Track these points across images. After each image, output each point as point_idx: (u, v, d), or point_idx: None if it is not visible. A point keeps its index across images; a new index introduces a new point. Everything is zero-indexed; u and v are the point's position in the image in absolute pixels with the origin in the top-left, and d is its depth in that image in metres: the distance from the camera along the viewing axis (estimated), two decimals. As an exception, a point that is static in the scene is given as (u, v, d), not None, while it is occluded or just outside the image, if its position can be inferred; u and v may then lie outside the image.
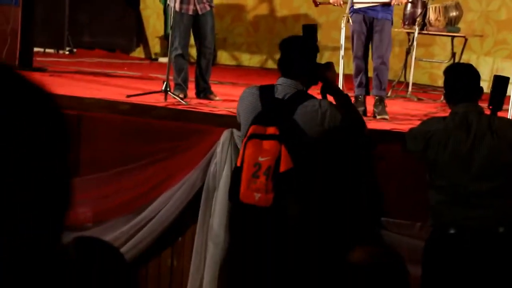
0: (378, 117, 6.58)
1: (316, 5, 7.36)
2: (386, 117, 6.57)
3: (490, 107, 4.45)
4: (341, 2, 6.84)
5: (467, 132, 4.19)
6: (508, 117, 5.77)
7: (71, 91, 6.32)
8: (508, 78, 4.55)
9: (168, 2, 7.14)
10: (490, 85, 4.62)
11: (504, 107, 5.97)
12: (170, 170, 5.58)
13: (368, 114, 6.62)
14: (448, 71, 4.41)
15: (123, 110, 5.99)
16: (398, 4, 6.65)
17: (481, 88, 4.34)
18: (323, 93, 4.56)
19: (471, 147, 4.18)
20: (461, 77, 4.33)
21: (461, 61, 8.86)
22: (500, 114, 4.52)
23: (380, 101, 6.70)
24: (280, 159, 4.19)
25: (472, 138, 4.19)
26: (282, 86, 4.39)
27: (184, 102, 6.57)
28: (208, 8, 7.09)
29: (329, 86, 4.53)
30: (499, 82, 4.49)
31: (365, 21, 6.67)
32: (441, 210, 4.23)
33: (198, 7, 7.03)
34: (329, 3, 7.07)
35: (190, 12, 7.00)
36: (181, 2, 6.97)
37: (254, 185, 4.24)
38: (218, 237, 5.16)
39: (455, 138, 4.20)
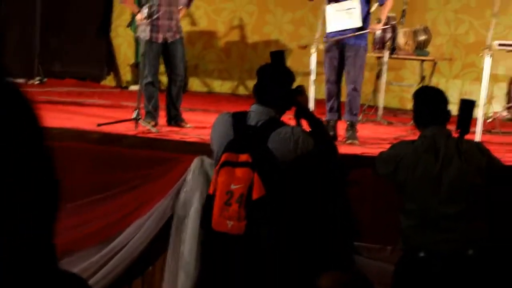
0: (347, 141, 6.61)
1: None
2: (356, 142, 6.60)
3: (458, 130, 4.47)
4: None
5: (435, 156, 4.22)
6: (476, 140, 5.82)
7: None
8: (474, 102, 4.59)
9: (137, 33, 7.16)
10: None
11: (472, 129, 6.05)
12: (141, 198, 5.54)
13: (340, 139, 6.64)
14: (416, 95, 4.44)
15: (94, 139, 5.95)
16: (371, 31, 6.68)
17: (449, 112, 4.38)
18: (297, 117, 4.56)
19: (440, 170, 4.20)
20: (429, 101, 4.37)
21: (431, 84, 8.93)
22: (467, 136, 4.55)
23: (351, 126, 6.73)
24: (252, 187, 4.17)
25: (441, 162, 4.21)
26: (255, 113, 4.38)
27: (154, 130, 6.55)
28: (178, 37, 7.13)
29: (302, 110, 4.54)
30: (466, 105, 4.53)
31: (337, 46, 6.71)
32: (411, 233, 4.24)
33: (167, 35, 7.07)
34: None
35: (160, 41, 7.04)
36: (151, 31, 7.01)
37: (226, 213, 4.21)
38: (189, 265, 5.13)
39: (424, 162, 4.22)
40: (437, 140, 4.26)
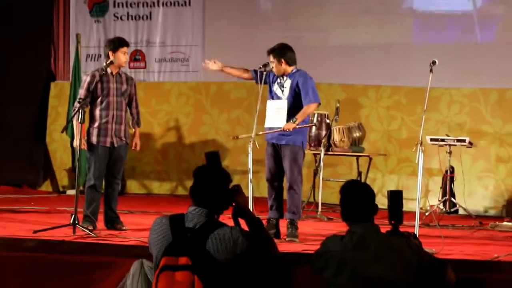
0: (287, 239, 6.61)
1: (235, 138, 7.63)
2: (296, 240, 6.61)
3: (392, 222, 4.50)
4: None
5: (365, 252, 4.20)
6: (415, 232, 5.86)
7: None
8: (401, 192, 4.63)
9: (75, 142, 7.10)
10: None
11: (410, 222, 6.11)
12: (80, 306, 5.40)
13: (283, 236, 6.64)
14: (343, 191, 4.45)
15: (30, 247, 5.82)
16: (286, 130, 6.77)
17: (376, 206, 4.39)
18: (235, 217, 4.53)
19: (370, 267, 4.18)
20: (356, 197, 4.38)
21: (367, 179, 9.07)
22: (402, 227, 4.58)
23: (291, 224, 6.75)
24: (194, 290, 4.12)
25: (371, 258, 4.19)
26: (193, 214, 4.35)
27: (93, 234, 6.46)
28: (124, 142, 7.15)
29: (240, 210, 4.52)
30: (394, 196, 4.57)
31: (274, 145, 6.81)
32: None
33: (115, 139, 7.08)
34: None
35: (107, 144, 7.05)
36: (98, 135, 7.03)
37: (169, 318, 4.13)
38: None
39: (353, 259, 4.20)
40: (367, 236, 4.26)
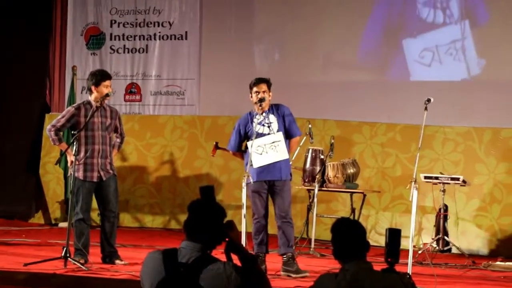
0: (296, 276, 6.59)
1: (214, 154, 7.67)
2: (306, 274, 6.60)
3: (389, 259, 4.48)
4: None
5: None
6: (407, 271, 5.84)
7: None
8: (399, 230, 4.63)
9: (69, 171, 7.13)
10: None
11: (403, 260, 6.09)
12: None
13: (272, 272, 6.61)
14: (334, 229, 4.43)
15: (20, 280, 5.79)
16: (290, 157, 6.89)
17: (368, 243, 4.38)
18: (227, 252, 4.51)
19: None
20: (347, 234, 4.37)
21: (361, 216, 9.05)
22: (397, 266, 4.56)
23: (293, 259, 6.74)
24: (185, 325, 4.08)
25: None
26: (186, 249, 4.32)
27: (84, 268, 6.43)
28: (111, 173, 7.14)
29: (233, 245, 4.50)
30: (393, 234, 4.56)
31: (265, 181, 6.81)
32: None
33: (102, 173, 7.08)
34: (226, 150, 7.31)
35: (95, 179, 7.04)
36: (85, 170, 7.02)
37: None
38: None
39: None
40: (360, 274, 4.24)
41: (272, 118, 6.87)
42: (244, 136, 6.94)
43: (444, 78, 9.61)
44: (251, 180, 6.65)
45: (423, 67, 9.74)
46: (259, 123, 6.85)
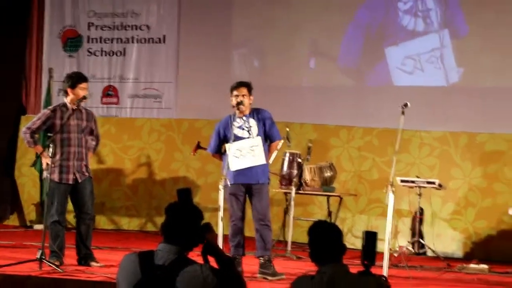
0: (272, 278, 6.60)
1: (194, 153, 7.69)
2: (283, 277, 6.61)
3: (365, 262, 4.51)
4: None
5: None
6: (383, 273, 5.87)
7: None
8: (376, 233, 4.66)
9: (44, 173, 7.11)
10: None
11: (379, 263, 6.12)
12: None
13: (249, 275, 6.62)
14: (311, 232, 4.45)
15: (-5, 281, 5.74)
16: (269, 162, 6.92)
17: (344, 246, 4.41)
18: (204, 254, 4.51)
19: None
20: (324, 237, 4.39)
21: (338, 219, 9.08)
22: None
23: (270, 262, 6.76)
24: (162, 327, 4.08)
25: None
26: (163, 251, 4.32)
27: (60, 270, 6.40)
28: (87, 175, 7.12)
29: (210, 247, 4.50)
30: (369, 237, 4.59)
31: (243, 184, 6.82)
32: None
33: (77, 175, 7.05)
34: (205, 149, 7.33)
35: (70, 182, 7.02)
36: (60, 172, 7.00)
37: None
38: None
39: None
40: (336, 277, 4.26)
41: (252, 122, 6.89)
42: (224, 138, 6.95)
43: (423, 84, 9.67)
44: (228, 183, 6.66)
45: (404, 74, 9.79)
46: (239, 127, 6.87)
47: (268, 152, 6.95)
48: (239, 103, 6.83)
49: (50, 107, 7.33)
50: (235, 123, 6.83)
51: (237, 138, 6.81)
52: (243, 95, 6.86)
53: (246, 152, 6.82)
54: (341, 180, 9.57)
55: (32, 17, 11.17)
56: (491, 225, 9.11)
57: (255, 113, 6.95)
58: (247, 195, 6.90)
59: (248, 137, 6.84)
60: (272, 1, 10.42)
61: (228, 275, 4.40)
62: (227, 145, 6.85)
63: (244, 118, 6.88)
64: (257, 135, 6.86)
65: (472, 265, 7.92)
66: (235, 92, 6.88)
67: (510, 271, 7.81)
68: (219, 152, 7.06)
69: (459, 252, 9.17)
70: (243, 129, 6.87)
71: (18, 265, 6.34)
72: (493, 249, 8.99)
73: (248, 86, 6.94)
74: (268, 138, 6.95)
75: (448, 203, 9.31)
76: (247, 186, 6.84)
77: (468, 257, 8.89)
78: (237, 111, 6.87)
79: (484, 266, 7.84)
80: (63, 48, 11.18)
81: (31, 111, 11.09)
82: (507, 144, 9.21)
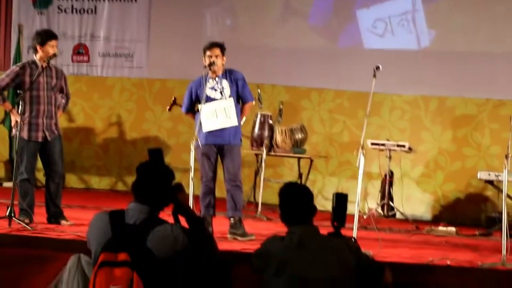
0: (242, 239, 6.63)
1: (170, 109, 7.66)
2: (253, 237, 6.64)
3: (335, 223, 4.55)
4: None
5: (305, 253, 4.23)
6: (353, 235, 5.92)
7: None
8: (346, 195, 4.70)
9: (13, 131, 7.04)
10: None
11: (349, 225, 6.17)
12: (14, 299, 5.32)
13: (219, 235, 6.65)
14: (282, 193, 4.48)
15: (-38, 239, 5.72)
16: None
17: (315, 207, 4.44)
18: (175, 214, 4.52)
19: (309, 268, 4.21)
20: (295, 199, 4.41)
21: (308, 181, 9.13)
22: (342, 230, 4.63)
23: (240, 222, 6.78)
24: (132, 286, 4.09)
25: (311, 258, 4.22)
26: (133, 211, 4.32)
27: (29, 228, 6.37)
28: (56, 133, 7.06)
29: (180, 207, 4.51)
30: (339, 199, 4.63)
31: (214, 145, 6.81)
32: None
33: (47, 133, 6.99)
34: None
35: (40, 140, 6.95)
36: (29, 130, 6.93)
37: (107, 314, 4.09)
38: None
39: (293, 259, 4.23)
40: (306, 237, 4.29)
41: (225, 83, 6.85)
42: (196, 98, 6.92)
43: (393, 46, 9.68)
44: (200, 143, 6.65)
45: (375, 36, 9.79)
46: (211, 88, 6.83)
47: (240, 113, 6.93)
48: (211, 64, 6.79)
49: (19, 64, 7.23)
50: (208, 84, 6.80)
51: (209, 99, 6.78)
52: (216, 56, 6.82)
53: (218, 113, 6.80)
54: (312, 142, 9.61)
55: (1, -28, 10.99)
56: (460, 188, 9.22)
57: (228, 73, 6.91)
58: (218, 156, 6.89)
59: (220, 98, 6.82)
60: (245, -40, 10.34)
61: (198, 234, 4.42)
62: (199, 106, 6.82)
63: (216, 79, 6.85)
64: (230, 96, 6.83)
65: (440, 228, 8.02)
66: (208, 53, 6.83)
67: (477, 233, 7.92)
68: (192, 111, 7.03)
69: (427, 215, 9.28)
70: (215, 90, 6.84)
71: (-13, 222, 6.31)
72: (461, 212, 9.11)
73: (221, 46, 6.89)
74: (240, 99, 6.93)
75: (417, 166, 9.40)
76: (218, 146, 6.83)
77: (436, 220, 9.01)
78: (209, 72, 6.84)
79: (452, 229, 7.95)
80: (33, 5, 11.01)
81: (0, 67, 10.94)
82: (477, 109, 9.29)
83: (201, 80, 6.87)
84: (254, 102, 7.24)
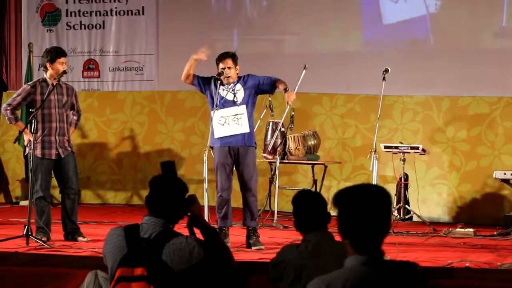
0: (253, 248, 6.62)
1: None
2: (262, 247, 6.63)
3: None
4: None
5: (322, 259, 4.21)
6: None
7: None
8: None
9: (27, 150, 7.08)
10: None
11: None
12: (33, 319, 5.32)
13: (237, 245, 6.64)
14: (295, 201, 4.46)
15: (-18, 259, 5.73)
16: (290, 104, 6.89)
17: (329, 214, 4.42)
18: (190, 227, 4.52)
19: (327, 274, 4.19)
20: (308, 206, 4.40)
21: (323, 187, 9.11)
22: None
23: (254, 232, 6.78)
24: (149, 300, 4.09)
25: (327, 265, 4.20)
26: (148, 224, 4.32)
27: (47, 246, 6.39)
28: (70, 150, 7.09)
29: (195, 219, 4.51)
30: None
31: (230, 152, 6.81)
32: None
33: (60, 151, 7.03)
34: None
35: (53, 157, 6.99)
36: (43, 148, 6.97)
37: (125, 329, 4.09)
38: None
39: (310, 266, 4.21)
40: (322, 244, 4.27)
41: (239, 87, 6.87)
42: (204, 86, 6.90)
43: (402, 48, 9.64)
44: (214, 155, 6.66)
45: (381, 36, 9.76)
46: (227, 91, 6.86)
47: (252, 117, 6.92)
48: (219, 74, 6.82)
49: (30, 83, 7.28)
50: (222, 87, 6.83)
51: (225, 103, 6.78)
52: (228, 67, 6.84)
53: (230, 120, 6.81)
54: (325, 148, 9.59)
55: (9, -8, 11.05)
56: (476, 188, 9.17)
57: (243, 78, 6.92)
58: (233, 166, 6.87)
59: (233, 101, 6.82)
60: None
61: (214, 246, 4.41)
62: (211, 113, 6.84)
63: (231, 85, 6.88)
64: (242, 101, 6.83)
65: (458, 229, 7.97)
66: (221, 65, 6.85)
67: (495, 233, 7.87)
68: (195, 79, 6.99)
69: (444, 217, 9.23)
70: (231, 93, 6.85)
71: (5, 241, 6.32)
72: (478, 213, 9.06)
73: (233, 56, 6.90)
74: (270, 87, 6.92)
75: (432, 168, 9.36)
76: (233, 150, 6.81)
77: (453, 221, 8.96)
78: (224, 80, 6.86)
79: (469, 230, 7.89)
80: (41, 23, 11.07)
81: (13, 87, 11.00)
82: (489, 107, 9.24)
83: (213, 81, 6.87)
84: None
